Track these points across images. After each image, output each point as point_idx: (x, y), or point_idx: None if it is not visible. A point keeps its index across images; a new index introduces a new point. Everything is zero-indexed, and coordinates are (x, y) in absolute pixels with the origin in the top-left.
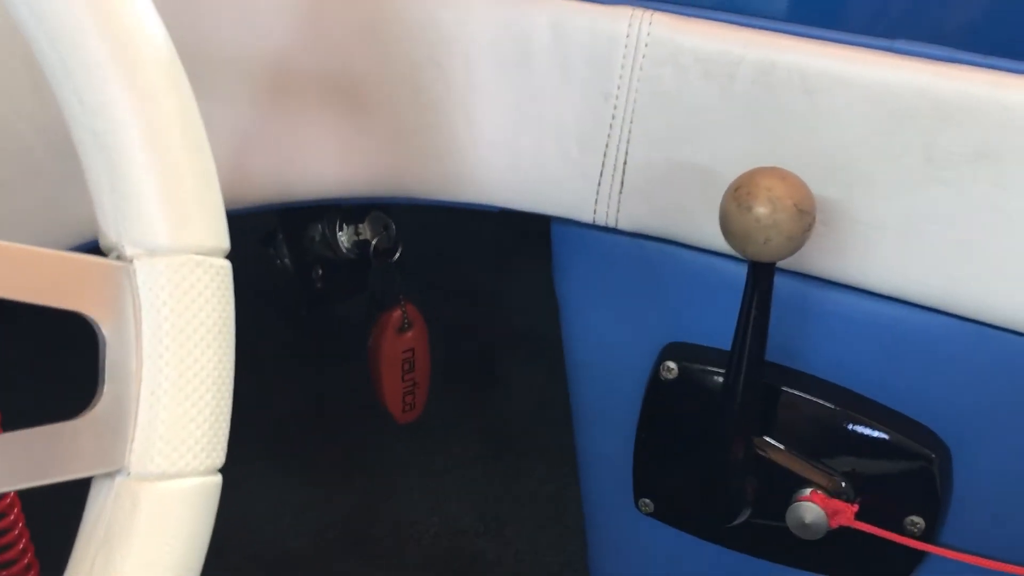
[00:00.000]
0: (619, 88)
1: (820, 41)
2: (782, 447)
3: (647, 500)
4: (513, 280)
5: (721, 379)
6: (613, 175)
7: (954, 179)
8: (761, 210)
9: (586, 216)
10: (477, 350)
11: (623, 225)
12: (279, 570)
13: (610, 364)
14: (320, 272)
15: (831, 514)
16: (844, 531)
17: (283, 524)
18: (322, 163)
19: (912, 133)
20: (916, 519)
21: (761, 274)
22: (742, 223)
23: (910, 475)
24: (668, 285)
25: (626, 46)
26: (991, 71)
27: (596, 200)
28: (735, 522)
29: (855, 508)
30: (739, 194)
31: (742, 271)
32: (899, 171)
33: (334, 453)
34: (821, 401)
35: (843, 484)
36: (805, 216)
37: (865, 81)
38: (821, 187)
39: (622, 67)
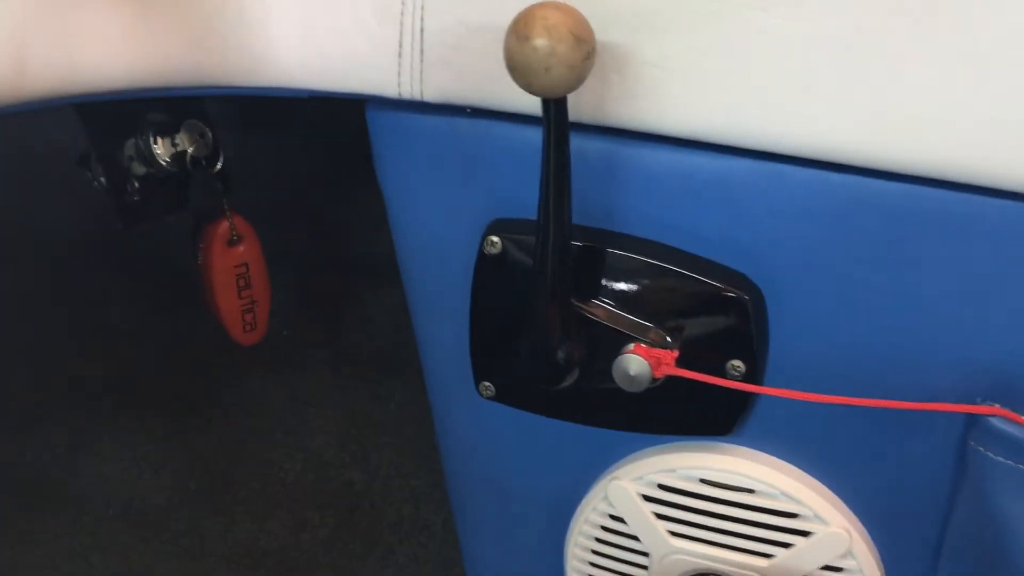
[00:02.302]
0: None
1: None
2: (603, 306)
3: (487, 383)
4: (358, 206)
5: None
6: (412, 43)
7: (728, 7)
8: (539, 40)
9: (391, 91)
10: (324, 275)
11: (430, 97)
12: (142, 527)
13: (439, 249)
14: (136, 185)
15: (654, 364)
16: (670, 383)
17: (144, 478)
18: (105, 49)
19: None
20: (736, 363)
21: (553, 111)
22: (522, 55)
23: (727, 320)
24: (486, 159)
25: None
26: None
27: (399, 73)
28: (564, 384)
29: (675, 354)
30: (517, 27)
31: None
32: (678, 5)
33: (189, 397)
34: (636, 257)
35: (665, 336)
36: (583, 44)
37: None
38: (608, 31)
39: None
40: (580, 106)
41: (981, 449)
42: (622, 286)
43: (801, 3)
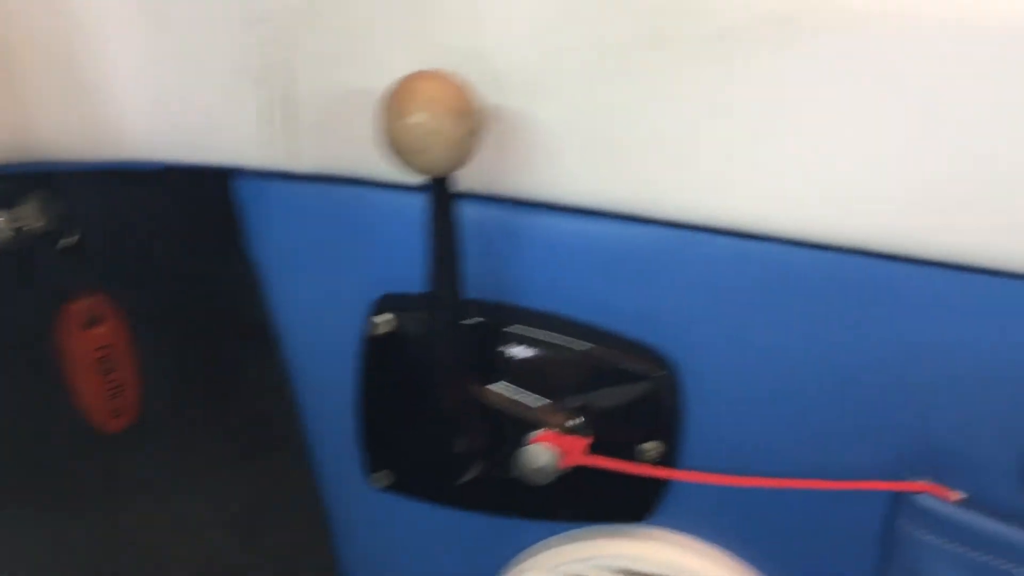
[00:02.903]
0: (274, 5)
1: None
2: (507, 389)
3: (380, 473)
4: (225, 263)
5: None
6: (282, 109)
7: (626, 70)
8: (416, 117)
9: (259, 161)
10: (200, 341)
11: (302, 167)
12: None
13: (322, 328)
14: None
15: (562, 453)
16: (583, 470)
17: None
18: None
19: (580, 27)
20: (652, 444)
21: (437, 191)
22: (398, 133)
23: (640, 400)
24: (370, 230)
25: None
26: None
27: (269, 141)
28: (467, 478)
29: (586, 442)
30: (391, 102)
31: None
32: (571, 70)
33: (61, 483)
34: (542, 333)
35: (575, 420)
36: (465, 119)
37: None
38: (505, 96)
39: None
40: (473, 175)
41: (909, 528)
42: (527, 366)
43: (682, 78)
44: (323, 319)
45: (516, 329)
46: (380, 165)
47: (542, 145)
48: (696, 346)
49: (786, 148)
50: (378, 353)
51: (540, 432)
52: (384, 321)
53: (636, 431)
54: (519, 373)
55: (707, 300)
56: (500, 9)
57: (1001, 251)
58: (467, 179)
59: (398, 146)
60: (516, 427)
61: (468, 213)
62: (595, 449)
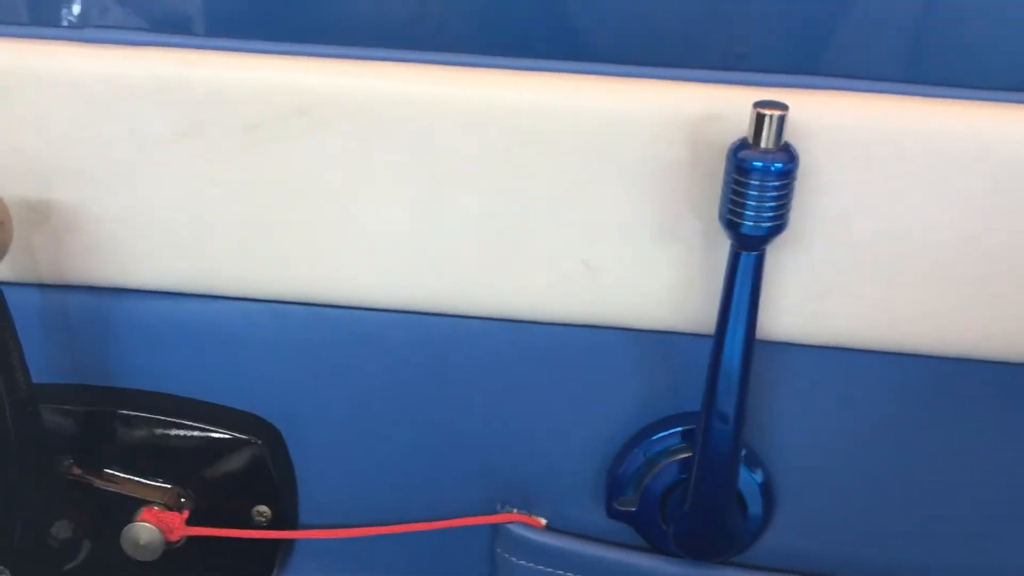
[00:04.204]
0: None
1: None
2: (110, 471)
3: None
4: None
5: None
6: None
7: (168, 160)
8: None
9: None
10: None
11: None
12: None
13: None
14: None
15: (167, 528)
16: (198, 540)
17: None
18: None
19: (118, 123)
20: (262, 508)
21: None
22: None
23: (244, 467)
24: None
25: None
26: (191, 50)
27: None
28: (75, 561)
29: (184, 515)
30: None
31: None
32: (118, 162)
33: None
34: (148, 414)
35: (181, 495)
36: None
37: (56, 76)
38: (55, 189)
39: None
40: (37, 265)
41: (505, 555)
42: (128, 446)
43: (219, 167)
44: None
45: (123, 411)
46: None
47: (103, 233)
48: (295, 411)
49: (327, 221)
50: None
51: (142, 510)
52: None
53: (246, 497)
54: (127, 454)
55: (299, 366)
56: (39, 110)
57: (535, 304)
58: (27, 270)
59: None
60: (123, 507)
61: (47, 300)
62: (204, 519)
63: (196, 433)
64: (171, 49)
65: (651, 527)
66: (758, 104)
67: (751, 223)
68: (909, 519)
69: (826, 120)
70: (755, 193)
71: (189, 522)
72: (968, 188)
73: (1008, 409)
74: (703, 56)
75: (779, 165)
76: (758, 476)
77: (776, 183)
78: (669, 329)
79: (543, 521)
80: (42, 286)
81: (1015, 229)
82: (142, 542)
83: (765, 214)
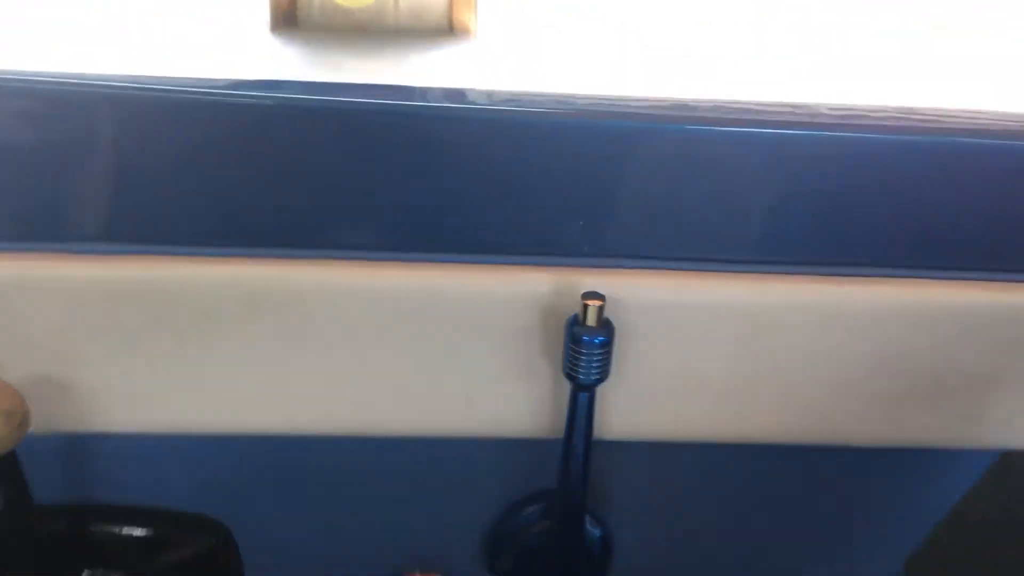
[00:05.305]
0: None
1: None
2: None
3: None
4: None
5: None
6: None
7: (140, 351)
8: None
9: None
10: None
11: None
12: None
13: None
14: None
15: None
16: None
17: None
18: None
19: (96, 317)
20: None
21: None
22: None
23: (203, 566)
24: None
25: None
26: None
27: None
28: None
29: None
30: None
31: None
32: (102, 348)
33: None
34: (119, 526)
35: None
36: (13, 416)
37: (43, 283)
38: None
39: None
40: (36, 417)
41: None
42: (109, 554)
43: (186, 351)
44: None
45: (94, 527)
46: None
47: (93, 394)
48: (240, 506)
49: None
50: None
51: None
52: None
53: None
54: (101, 563)
55: (246, 479)
56: (27, 310)
57: (425, 427)
58: (40, 420)
59: None
60: None
61: (50, 445)
62: None
63: (155, 537)
64: (137, 256)
65: None
66: (585, 295)
67: (583, 375)
68: (716, 556)
69: (634, 292)
70: (584, 357)
71: None
72: (729, 335)
73: (780, 476)
74: (552, 244)
75: (601, 338)
76: (598, 531)
77: (599, 350)
78: (531, 436)
79: None
80: (35, 435)
81: (761, 360)
82: None
83: (594, 369)
